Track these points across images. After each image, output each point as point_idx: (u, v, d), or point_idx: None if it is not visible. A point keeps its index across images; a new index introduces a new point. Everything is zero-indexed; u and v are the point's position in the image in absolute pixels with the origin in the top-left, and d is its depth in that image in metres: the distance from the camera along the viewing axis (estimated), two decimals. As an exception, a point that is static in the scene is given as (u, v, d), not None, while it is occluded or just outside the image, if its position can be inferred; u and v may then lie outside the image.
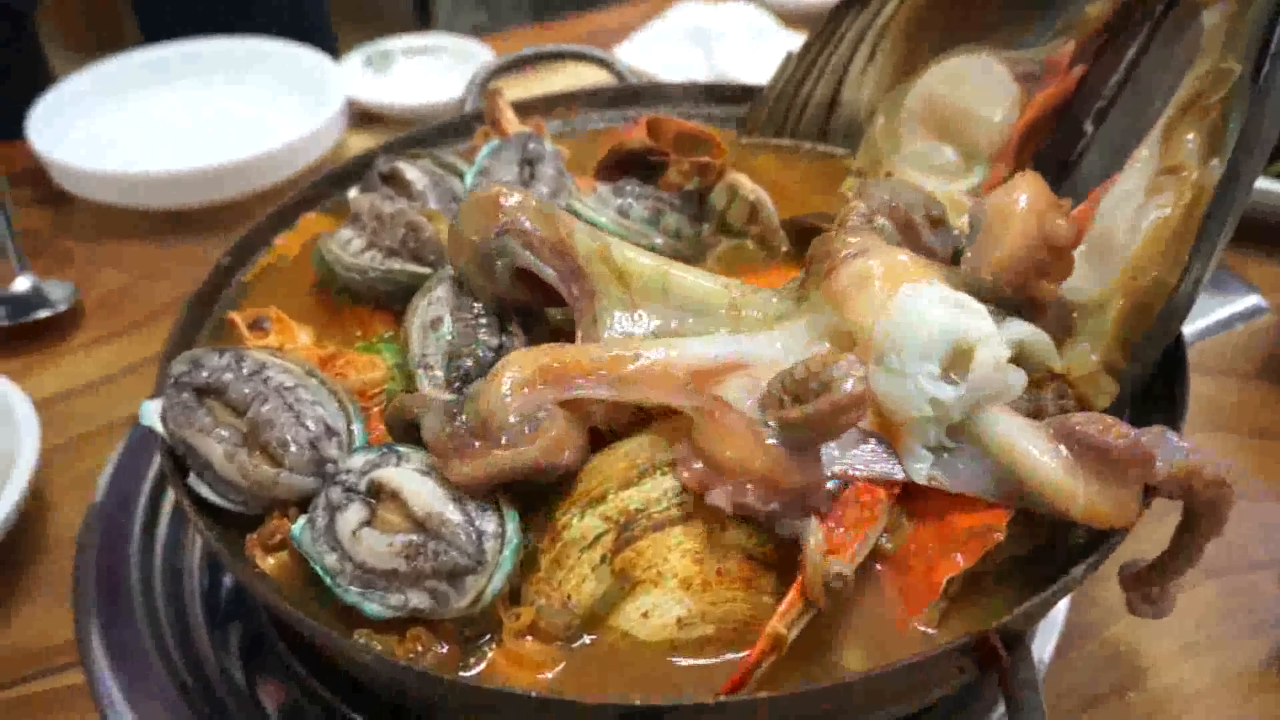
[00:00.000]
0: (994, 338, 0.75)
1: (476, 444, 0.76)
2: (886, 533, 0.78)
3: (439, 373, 0.89)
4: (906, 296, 0.77)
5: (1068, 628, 0.99)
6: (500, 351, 0.87)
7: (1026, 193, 0.90)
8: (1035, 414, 0.80)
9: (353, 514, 0.77)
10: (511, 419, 0.76)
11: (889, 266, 0.80)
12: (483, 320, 0.91)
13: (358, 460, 0.79)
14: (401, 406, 0.81)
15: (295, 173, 1.67)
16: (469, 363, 0.89)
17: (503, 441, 0.76)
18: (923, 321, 0.76)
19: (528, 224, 0.87)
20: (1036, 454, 0.74)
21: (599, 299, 0.85)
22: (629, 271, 0.87)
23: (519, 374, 0.78)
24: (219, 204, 1.64)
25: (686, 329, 0.85)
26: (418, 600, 0.74)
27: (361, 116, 1.89)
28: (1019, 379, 0.76)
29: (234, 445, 0.82)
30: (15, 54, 1.99)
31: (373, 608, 0.74)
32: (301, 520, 0.79)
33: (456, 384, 0.88)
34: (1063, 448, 0.74)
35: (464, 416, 0.78)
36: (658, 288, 0.86)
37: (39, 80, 1.90)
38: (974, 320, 0.76)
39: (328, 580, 0.75)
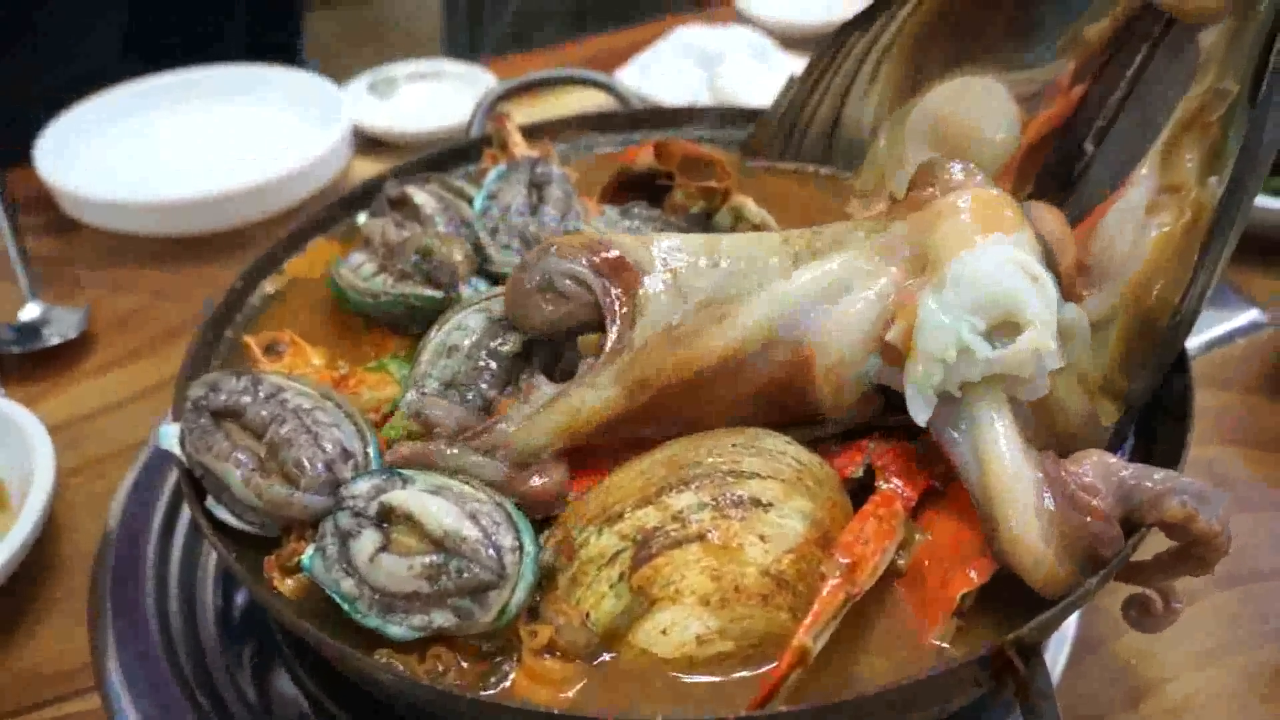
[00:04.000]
0: (1050, 328, 0.76)
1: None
2: (901, 548, 0.79)
3: (425, 395, 0.90)
4: (995, 245, 0.78)
5: (1079, 638, 0.99)
6: (491, 407, 0.88)
7: (1053, 225, 0.91)
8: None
9: (367, 540, 0.77)
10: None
11: (995, 206, 0.81)
12: (492, 370, 0.92)
13: (363, 486, 0.80)
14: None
15: (303, 198, 1.68)
16: (456, 399, 0.90)
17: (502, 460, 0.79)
18: (994, 278, 0.76)
19: (560, 240, 0.89)
20: (1019, 495, 0.74)
21: (641, 288, 0.85)
22: (673, 249, 0.88)
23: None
24: (232, 228, 1.65)
25: (748, 288, 0.85)
26: (442, 619, 0.75)
27: (367, 142, 1.90)
28: (1044, 378, 0.77)
29: (251, 469, 0.83)
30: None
31: (396, 630, 0.75)
32: (310, 549, 0.79)
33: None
34: (1049, 498, 0.74)
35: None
36: (707, 259, 0.86)
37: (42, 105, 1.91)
38: (1040, 301, 0.76)
39: (346, 606, 0.76)
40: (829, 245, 0.86)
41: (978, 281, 0.76)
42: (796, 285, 0.83)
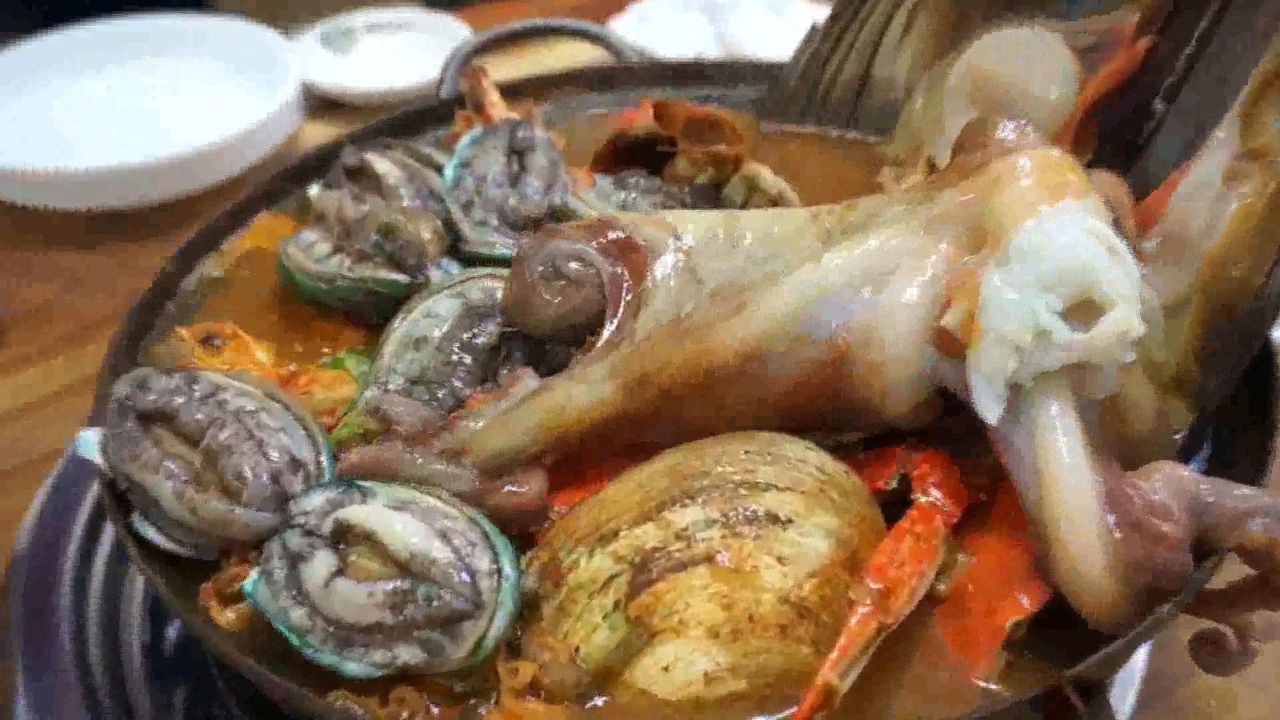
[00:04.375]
0: (1135, 306, 0.76)
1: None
2: (941, 571, 0.79)
3: (389, 392, 0.91)
4: (1067, 212, 0.78)
5: (1150, 676, 0.99)
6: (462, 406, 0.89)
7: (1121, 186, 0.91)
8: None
9: (320, 563, 0.77)
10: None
11: (1059, 169, 0.80)
12: (466, 365, 0.92)
13: (315, 500, 0.80)
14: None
15: (245, 168, 1.68)
16: (424, 397, 0.90)
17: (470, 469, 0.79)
18: (1069, 249, 0.76)
19: (559, 225, 0.89)
20: (1083, 518, 0.73)
21: (650, 272, 0.85)
22: (686, 227, 0.87)
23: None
24: (157, 204, 1.65)
25: (772, 273, 0.85)
26: (407, 655, 0.74)
27: (320, 103, 1.90)
28: (1116, 371, 0.77)
29: (184, 481, 0.83)
30: None
31: (353, 667, 0.74)
32: (254, 573, 0.79)
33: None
34: (1114, 520, 0.73)
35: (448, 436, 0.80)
36: (726, 239, 0.86)
37: None
38: (1122, 276, 0.76)
39: (294, 641, 0.75)
40: (864, 221, 0.86)
41: (1050, 254, 0.76)
42: (828, 269, 0.83)
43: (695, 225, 0.88)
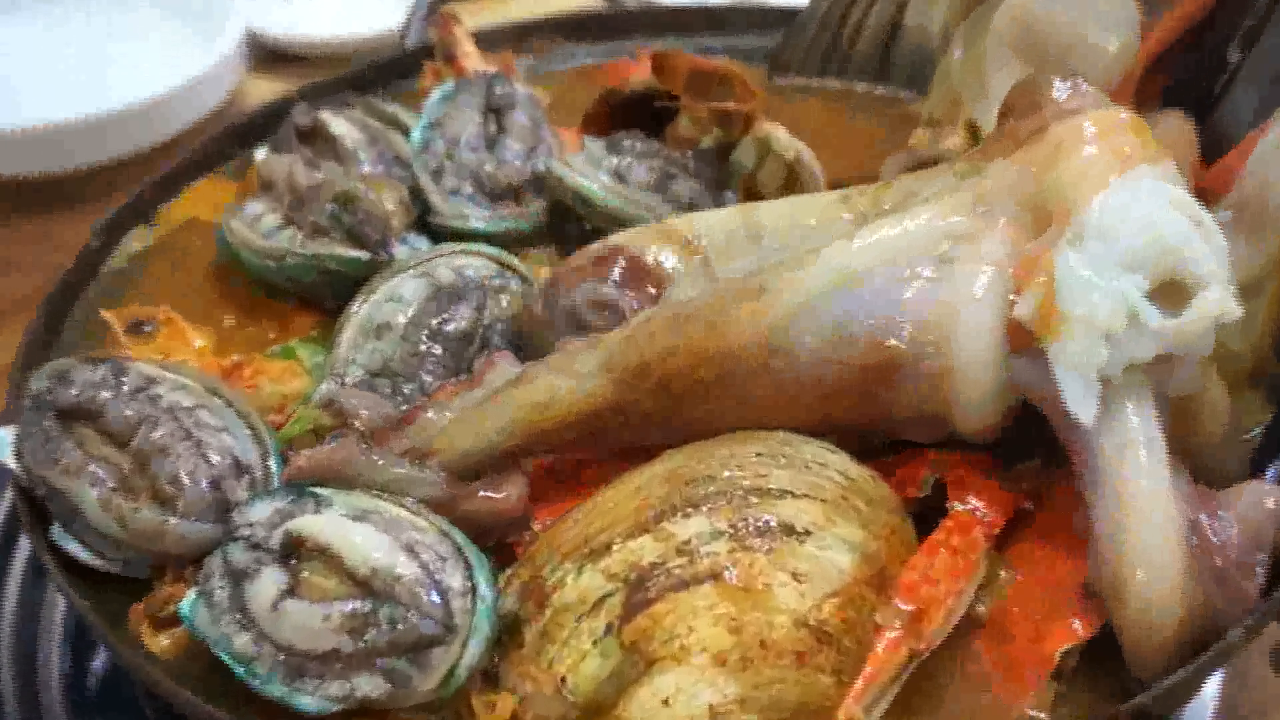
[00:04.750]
0: (1229, 285, 0.76)
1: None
2: (981, 590, 0.80)
3: (347, 382, 0.92)
4: (1144, 182, 0.78)
5: (1223, 711, 1.00)
6: None
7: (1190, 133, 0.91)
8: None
9: (268, 581, 0.77)
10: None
11: (1128, 132, 0.81)
12: (436, 355, 0.93)
13: (262, 509, 0.80)
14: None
15: (179, 130, 1.68)
16: (388, 391, 0.91)
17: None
18: (1152, 224, 0.76)
19: (558, 272, 0.92)
20: (1165, 548, 0.73)
21: (667, 289, 0.88)
22: (696, 231, 0.89)
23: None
24: (82, 171, 1.65)
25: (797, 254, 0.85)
26: (368, 686, 0.75)
27: (266, 55, 1.90)
28: (1199, 359, 0.77)
29: (111, 487, 0.84)
30: None
31: (307, 701, 0.75)
32: (192, 594, 0.79)
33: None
34: (1195, 569, 0.74)
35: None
36: (743, 234, 0.88)
37: None
38: (1211, 253, 0.76)
39: (239, 671, 0.76)
40: (903, 200, 0.87)
41: (1130, 229, 0.76)
42: (861, 249, 0.82)
43: (709, 227, 0.89)
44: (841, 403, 0.83)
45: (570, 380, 0.83)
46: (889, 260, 0.82)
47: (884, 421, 0.84)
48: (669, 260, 0.89)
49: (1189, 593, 0.73)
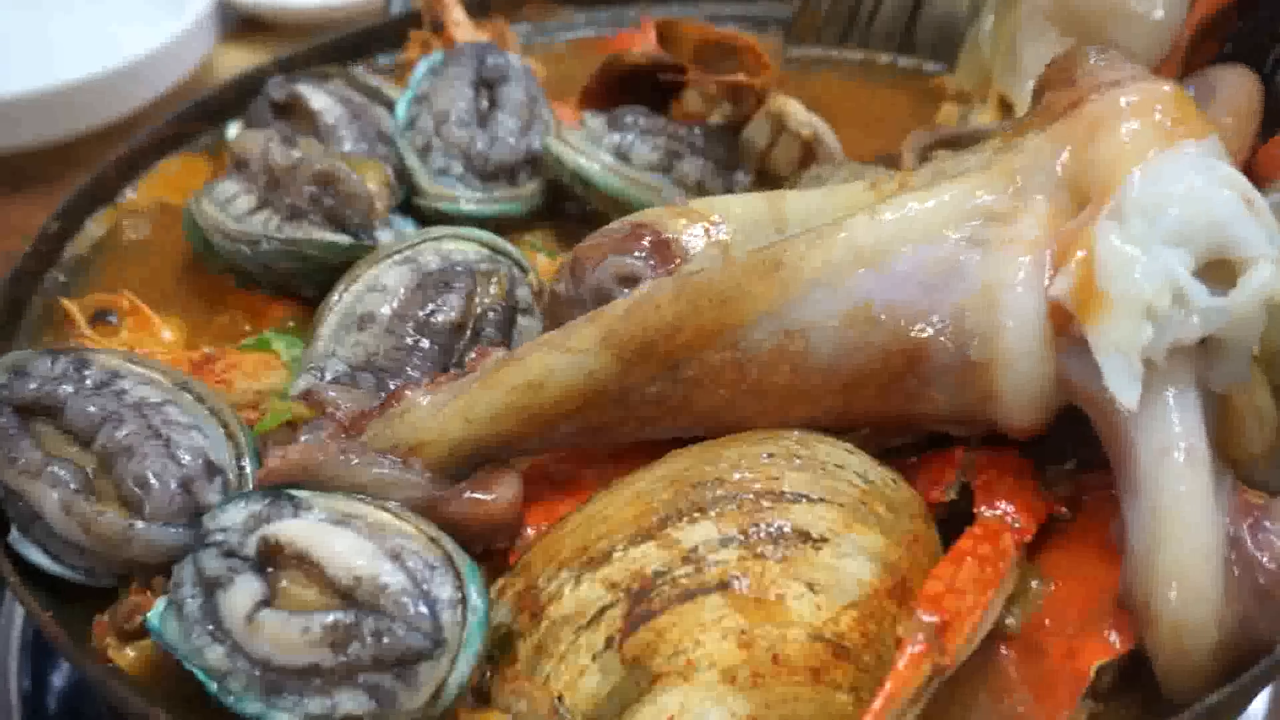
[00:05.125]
0: (1277, 263, 0.76)
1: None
2: (1011, 602, 0.81)
3: (326, 377, 0.93)
4: (1188, 157, 0.79)
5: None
6: None
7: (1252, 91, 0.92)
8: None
9: (243, 591, 0.78)
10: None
11: (1171, 106, 0.82)
12: (424, 349, 0.94)
13: (236, 513, 0.81)
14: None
15: (144, 103, 1.69)
16: (370, 386, 0.92)
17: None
18: (1198, 199, 0.77)
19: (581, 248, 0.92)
20: (1200, 563, 0.74)
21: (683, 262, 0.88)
22: (721, 213, 0.90)
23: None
24: (36, 149, 1.66)
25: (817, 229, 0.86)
26: (351, 704, 0.75)
27: (240, 23, 1.92)
28: (1249, 348, 0.78)
29: (74, 490, 0.84)
30: None
31: (284, 718, 0.76)
32: (160, 604, 0.80)
33: None
34: (1236, 587, 0.75)
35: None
36: (765, 221, 0.89)
37: None
38: (1261, 230, 0.77)
39: (212, 687, 0.77)
40: (932, 181, 0.87)
41: (1175, 204, 0.77)
42: (885, 224, 0.83)
43: (735, 209, 0.90)
44: (865, 393, 0.84)
45: (566, 356, 0.83)
46: (917, 237, 0.82)
47: (913, 416, 0.85)
48: (694, 241, 0.89)
49: (1225, 614, 0.74)
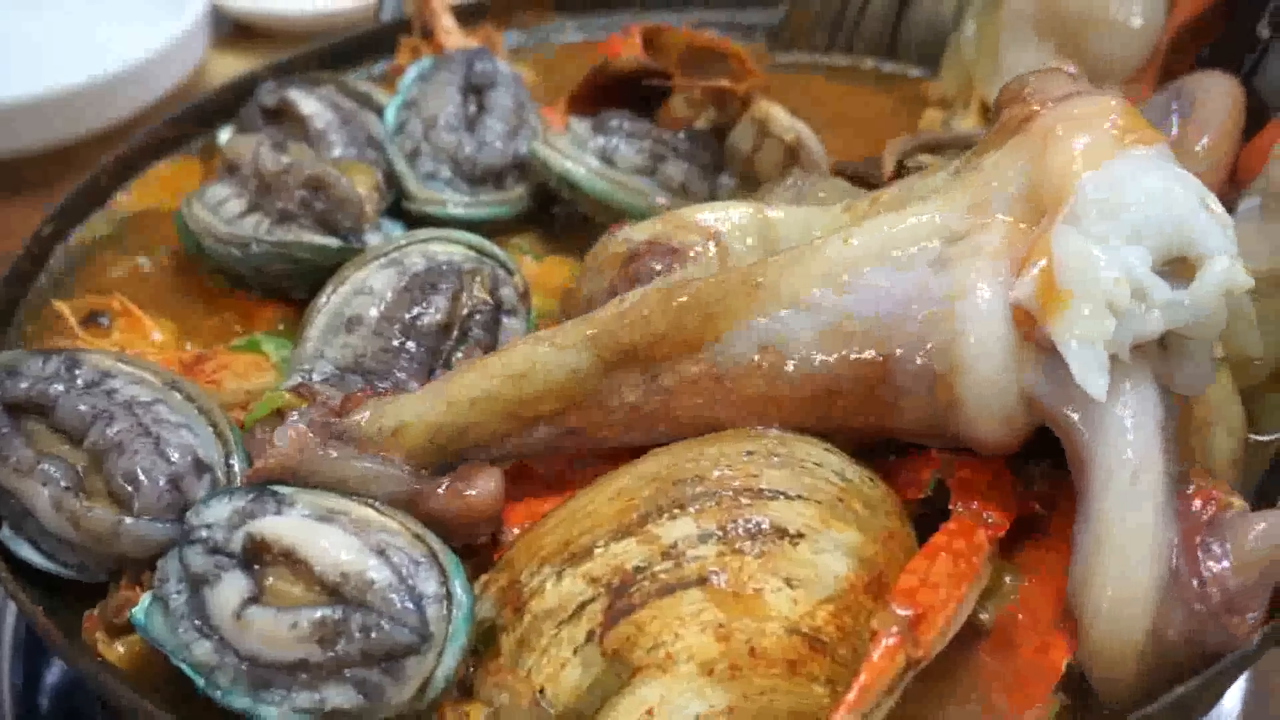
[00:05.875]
0: (1236, 257, 0.77)
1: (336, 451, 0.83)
2: (985, 598, 0.82)
3: (315, 379, 0.94)
4: (1140, 159, 0.80)
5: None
6: None
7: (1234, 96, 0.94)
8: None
9: (230, 588, 0.79)
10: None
11: (1118, 117, 0.83)
12: (410, 351, 0.95)
13: (220, 510, 0.82)
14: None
15: (136, 110, 1.70)
16: (360, 388, 0.93)
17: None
18: (1152, 196, 0.78)
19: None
20: (1135, 571, 0.75)
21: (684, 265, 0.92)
22: (710, 223, 0.93)
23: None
24: (30, 154, 1.67)
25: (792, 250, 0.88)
26: (339, 698, 0.76)
27: (231, 30, 1.93)
28: (1210, 349, 0.79)
29: (64, 487, 0.85)
30: None
31: (272, 713, 0.76)
32: (145, 599, 0.81)
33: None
34: (1177, 590, 0.75)
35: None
36: (757, 238, 0.92)
37: None
38: (1215, 226, 0.78)
39: (200, 682, 0.77)
40: (902, 198, 0.90)
41: (1132, 202, 0.78)
42: (857, 244, 0.85)
43: (719, 219, 0.94)
44: (840, 404, 0.85)
45: (552, 350, 0.85)
46: (884, 260, 0.84)
47: (889, 429, 0.87)
48: (698, 252, 0.94)
49: (1165, 629, 0.74)
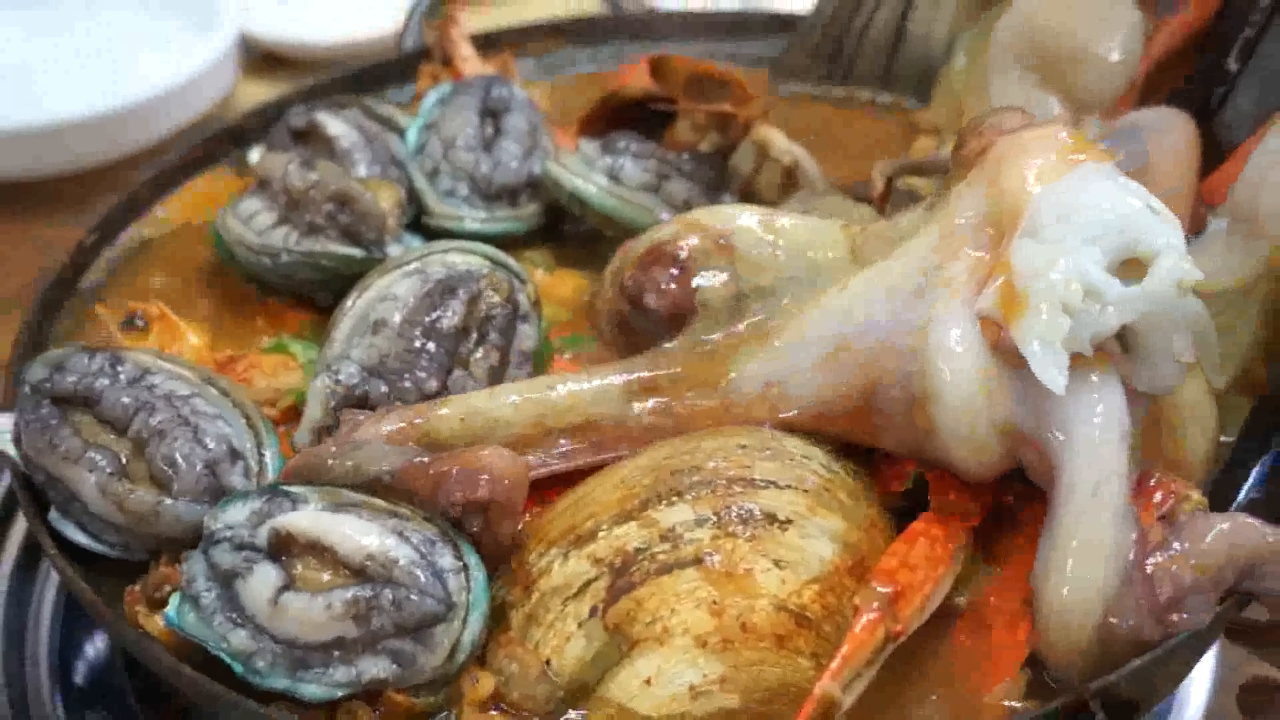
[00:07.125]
0: (1184, 254, 0.82)
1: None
2: (960, 584, 0.87)
3: (340, 381, 0.98)
4: (1090, 171, 0.85)
5: (1215, 708, 1.05)
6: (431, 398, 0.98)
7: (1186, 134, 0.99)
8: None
9: (262, 578, 0.82)
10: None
11: (1068, 142, 0.88)
12: (430, 353, 0.99)
13: (238, 512, 0.86)
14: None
15: (169, 132, 1.76)
16: (383, 388, 0.98)
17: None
18: (1101, 203, 0.83)
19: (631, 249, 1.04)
20: (1091, 569, 0.78)
21: (697, 277, 1.00)
22: (731, 223, 1.00)
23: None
24: (73, 172, 1.71)
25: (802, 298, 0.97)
26: (375, 669, 0.80)
27: (261, 58, 1.97)
28: (1202, 314, 0.83)
29: (109, 473, 0.90)
30: None
31: (313, 690, 0.80)
32: (175, 600, 0.84)
33: (337, 406, 0.98)
34: (1135, 585, 0.79)
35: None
36: (769, 240, 0.99)
37: None
38: (1164, 226, 0.83)
39: (238, 668, 0.81)
40: (888, 231, 0.96)
41: (1082, 209, 0.83)
42: (851, 296, 0.93)
43: (738, 220, 1.01)
44: (837, 424, 0.93)
45: (587, 379, 0.96)
46: (873, 303, 0.92)
47: (883, 447, 0.93)
48: (709, 273, 1.01)
49: (1110, 624, 0.79)
